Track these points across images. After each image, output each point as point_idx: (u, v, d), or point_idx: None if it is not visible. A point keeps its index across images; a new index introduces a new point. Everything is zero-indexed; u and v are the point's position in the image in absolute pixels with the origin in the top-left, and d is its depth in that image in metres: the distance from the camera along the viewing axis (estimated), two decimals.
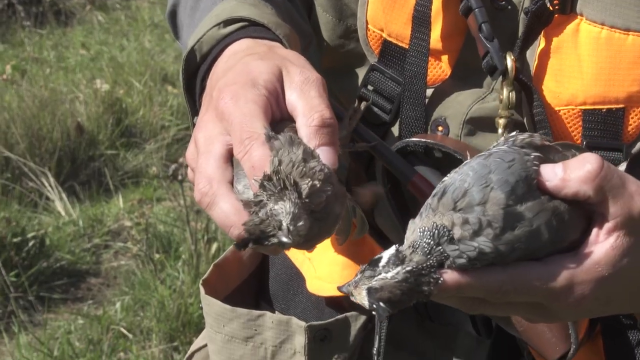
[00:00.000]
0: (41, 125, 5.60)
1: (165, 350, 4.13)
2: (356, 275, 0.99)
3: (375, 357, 1.06)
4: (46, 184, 5.30)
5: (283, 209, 0.99)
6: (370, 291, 0.97)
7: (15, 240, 4.76)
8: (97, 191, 5.50)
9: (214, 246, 4.41)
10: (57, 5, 8.65)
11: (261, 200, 1.01)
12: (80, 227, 5.13)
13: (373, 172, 1.30)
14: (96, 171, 5.64)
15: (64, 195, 5.29)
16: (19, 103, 5.88)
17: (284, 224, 0.99)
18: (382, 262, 0.97)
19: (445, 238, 0.97)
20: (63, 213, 5.21)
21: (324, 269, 1.36)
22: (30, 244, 4.80)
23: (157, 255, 4.69)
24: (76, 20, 8.47)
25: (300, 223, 0.99)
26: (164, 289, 4.38)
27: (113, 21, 8.41)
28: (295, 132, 1.08)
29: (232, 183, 1.08)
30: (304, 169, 1.01)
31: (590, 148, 1.20)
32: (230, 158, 1.09)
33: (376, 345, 1.02)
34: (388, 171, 1.26)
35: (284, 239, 1.00)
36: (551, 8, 1.18)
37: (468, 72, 1.26)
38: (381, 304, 0.96)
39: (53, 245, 4.92)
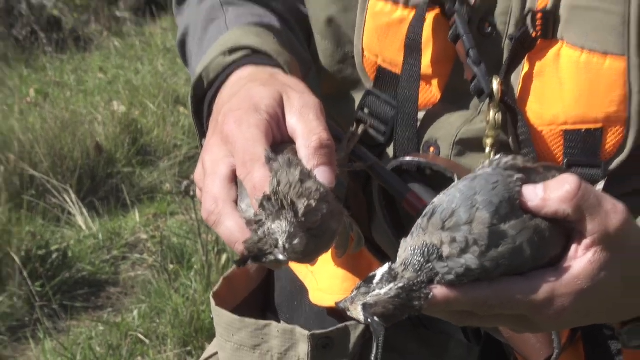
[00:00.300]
0: (63, 145, 5.59)
1: (180, 354, 4.12)
2: (352, 291, 0.99)
3: None
4: (68, 200, 5.29)
5: (280, 228, 1.00)
6: (365, 307, 0.97)
7: (40, 252, 4.74)
8: (115, 206, 5.49)
9: (224, 257, 4.40)
10: (77, 32, 8.65)
11: (260, 220, 1.02)
12: (99, 240, 5.12)
13: (370, 190, 1.30)
14: (114, 188, 5.63)
15: (84, 211, 5.28)
16: (42, 124, 5.87)
17: (280, 243, 1.00)
18: (376, 279, 0.98)
19: (435, 256, 0.97)
20: (84, 227, 5.20)
21: (325, 281, 1.36)
22: (54, 256, 4.79)
23: (171, 266, 4.68)
24: (94, 46, 8.47)
25: (296, 241, 1.00)
26: (178, 298, 4.37)
27: (128, 47, 8.40)
28: (296, 153, 1.08)
29: (236, 202, 1.08)
30: (301, 189, 1.01)
31: (570, 165, 1.20)
32: (234, 179, 1.09)
33: (374, 352, 1.02)
34: (384, 189, 1.26)
35: (280, 257, 1.01)
36: (534, 34, 1.18)
37: (457, 96, 1.26)
38: (375, 318, 0.96)
39: (75, 257, 4.91)
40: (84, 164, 5.60)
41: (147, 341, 4.22)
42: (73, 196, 5.30)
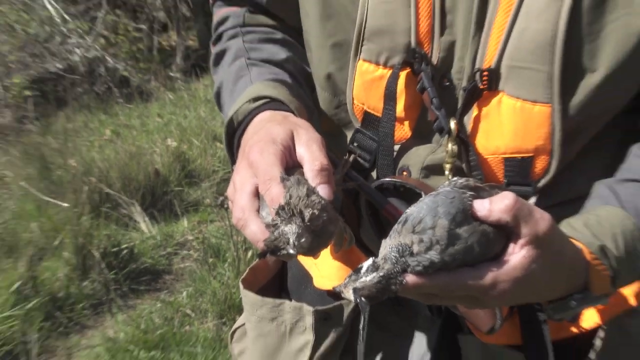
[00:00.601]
0: (130, 170, 5.59)
1: (217, 325, 4.10)
2: (345, 279, 0.99)
3: (361, 331, 1.05)
4: (134, 211, 5.28)
5: (291, 230, 1.01)
6: (355, 290, 0.97)
7: (113, 250, 4.74)
8: (168, 216, 5.48)
9: (250, 253, 4.39)
10: (141, 88, 8.66)
11: (276, 224, 1.02)
12: (157, 240, 5.11)
13: (359, 203, 1.29)
14: (168, 202, 5.62)
15: (146, 219, 5.27)
16: (115, 155, 5.87)
17: (291, 241, 1.00)
18: (363, 270, 0.97)
19: (407, 252, 0.96)
20: (146, 231, 5.19)
21: (325, 270, 1.35)
22: (124, 252, 4.78)
23: (210, 260, 4.67)
24: (154, 98, 8.49)
25: (303, 240, 1.01)
26: (216, 283, 4.36)
27: (179, 98, 8.42)
28: (303, 175, 1.08)
29: (258, 211, 1.08)
30: (307, 201, 1.01)
31: (509, 184, 1.19)
32: (257, 194, 1.09)
33: (362, 323, 1.01)
34: (369, 202, 1.25)
35: (291, 251, 1.01)
36: (481, 87, 1.17)
37: (423, 133, 1.25)
38: (362, 299, 0.97)
39: (139, 253, 4.90)
40: (146, 184, 5.59)
41: (192, 315, 4.21)
42: (138, 208, 5.29)
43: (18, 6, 9.27)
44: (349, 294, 0.98)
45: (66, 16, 9.17)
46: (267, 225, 1.05)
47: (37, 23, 8.90)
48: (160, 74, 9.15)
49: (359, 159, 1.28)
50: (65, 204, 5.08)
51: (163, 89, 8.70)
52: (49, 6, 9.05)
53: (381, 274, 0.96)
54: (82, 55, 8.75)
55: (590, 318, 1.24)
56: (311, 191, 1.04)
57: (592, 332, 1.24)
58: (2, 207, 5.32)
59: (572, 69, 1.13)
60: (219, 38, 1.44)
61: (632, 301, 1.27)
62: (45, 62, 8.56)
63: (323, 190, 1.05)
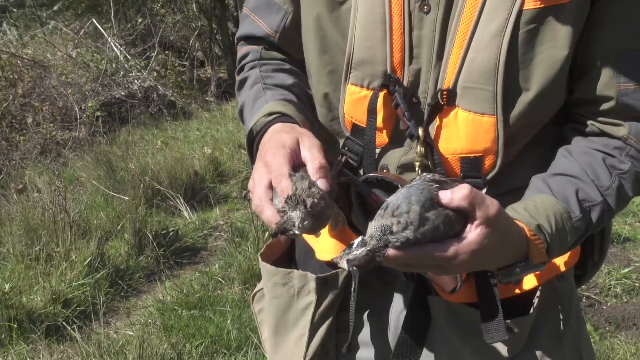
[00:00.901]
0: (176, 172, 5.59)
1: (242, 289, 4.09)
2: (340, 253, 0.98)
3: (353, 293, 1.04)
4: (179, 202, 5.27)
5: (296, 215, 1.00)
6: (349, 261, 0.96)
7: (162, 232, 4.74)
8: (205, 206, 5.48)
9: (267, 234, 4.40)
10: (184, 109, 8.69)
11: (285, 211, 1.01)
12: (196, 225, 5.09)
13: (350, 194, 1.27)
14: (205, 195, 5.61)
15: (187, 209, 5.25)
16: (164, 160, 5.88)
17: (297, 224, 1.00)
18: (354, 246, 0.97)
19: (388, 231, 0.95)
20: (187, 218, 5.18)
21: (325, 246, 1.33)
22: (171, 234, 4.77)
23: (237, 239, 4.66)
24: (194, 117, 8.52)
25: (306, 222, 1.00)
26: (241, 257, 4.35)
27: (213, 116, 8.44)
28: (307, 172, 1.07)
29: (272, 200, 1.07)
30: (309, 192, 1.01)
31: (465, 177, 1.17)
32: (271, 187, 1.07)
33: (353, 286, 1.00)
34: (358, 193, 1.23)
35: (297, 232, 1.00)
36: (442, 103, 1.15)
37: (398, 139, 1.22)
38: (354, 268, 0.96)
39: (182, 235, 4.89)
40: (188, 182, 5.57)
41: (223, 282, 4.20)
42: (181, 200, 5.27)
43: (93, 49, 9.43)
44: (343, 264, 0.97)
45: (128, 56, 9.29)
46: (279, 211, 1.04)
47: (107, 61, 8.97)
48: (199, 99, 9.20)
49: (350, 160, 1.26)
50: (126, 198, 5.07)
51: (201, 110, 8.73)
52: (115, 49, 9.13)
53: (369, 248, 0.96)
54: (140, 85, 8.81)
55: (530, 281, 1.23)
56: (312, 184, 1.03)
57: (532, 293, 1.23)
58: (78, 200, 5.31)
59: (511, 89, 1.12)
60: (242, 69, 1.43)
61: (562, 268, 1.26)
62: (112, 90, 8.61)
63: (321, 183, 1.04)
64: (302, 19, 1.30)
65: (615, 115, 1.18)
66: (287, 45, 1.37)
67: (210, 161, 6.07)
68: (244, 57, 1.42)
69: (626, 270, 4.10)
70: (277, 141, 1.12)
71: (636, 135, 1.18)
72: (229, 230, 4.84)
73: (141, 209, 4.87)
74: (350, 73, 1.22)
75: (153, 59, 9.34)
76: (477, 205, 0.99)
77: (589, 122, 1.21)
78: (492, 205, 1.01)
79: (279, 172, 1.06)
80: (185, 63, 10.04)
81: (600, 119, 1.19)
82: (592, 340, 3.01)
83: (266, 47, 1.40)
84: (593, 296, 3.90)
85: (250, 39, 1.41)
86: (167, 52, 10.12)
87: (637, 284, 4.00)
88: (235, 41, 1.47)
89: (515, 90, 1.13)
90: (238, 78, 1.43)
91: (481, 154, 1.16)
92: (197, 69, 10.22)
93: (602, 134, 1.20)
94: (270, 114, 1.24)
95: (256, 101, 1.32)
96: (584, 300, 3.86)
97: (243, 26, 1.42)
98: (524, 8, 1.09)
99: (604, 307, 3.83)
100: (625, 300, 3.88)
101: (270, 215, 1.05)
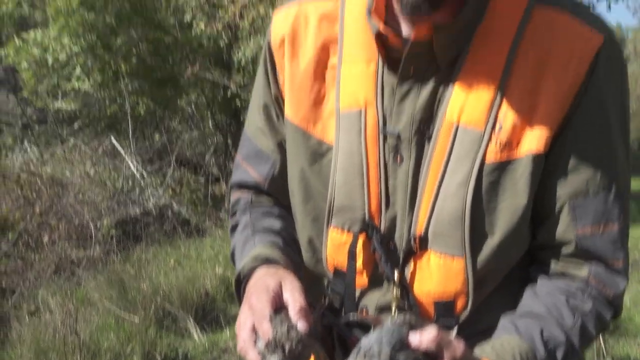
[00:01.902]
0: (187, 292, 5.63)
1: None
2: None
3: None
4: (189, 323, 5.29)
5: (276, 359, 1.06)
6: None
7: (171, 355, 4.74)
8: (215, 327, 5.48)
9: None
10: (198, 226, 8.76)
11: (265, 355, 1.08)
12: (206, 347, 5.08)
13: (332, 334, 1.32)
14: (215, 316, 5.63)
15: (197, 330, 5.25)
16: (176, 280, 5.91)
17: None
18: None
19: None
20: (197, 339, 5.17)
21: None
22: (180, 358, 4.75)
23: None
24: (207, 234, 8.56)
25: None
26: None
27: (226, 234, 8.43)
28: (287, 314, 1.13)
29: (255, 342, 1.13)
30: (287, 336, 1.07)
31: (438, 317, 1.25)
32: (254, 329, 1.14)
33: None
34: (339, 334, 1.29)
35: None
36: (415, 247, 1.25)
37: (376, 281, 1.30)
38: None
39: (191, 357, 4.86)
40: (198, 302, 5.61)
41: None
42: (192, 321, 5.29)
43: (109, 167, 9.63)
44: None
45: (144, 173, 9.47)
46: (260, 354, 1.10)
47: (123, 179, 9.15)
48: (213, 215, 9.27)
49: (333, 301, 1.33)
50: (136, 320, 5.10)
51: (214, 227, 8.81)
52: (132, 167, 9.37)
53: None
54: (155, 203, 8.91)
55: None
56: (291, 327, 1.08)
57: None
58: (90, 321, 5.33)
59: (477, 233, 1.21)
60: (234, 213, 1.53)
61: None
62: (128, 208, 8.68)
63: (301, 325, 1.10)
64: (288, 169, 1.41)
65: (576, 258, 1.26)
66: (275, 192, 1.48)
67: (221, 281, 6.12)
68: (236, 202, 1.53)
69: None
70: (261, 284, 1.19)
71: (596, 276, 1.26)
72: (239, 354, 4.79)
73: (151, 330, 4.88)
74: (332, 217, 1.31)
75: (169, 174, 9.55)
76: (444, 347, 1.05)
77: (552, 264, 1.29)
78: (458, 346, 1.07)
79: (260, 315, 1.12)
80: (201, 178, 10.21)
81: (561, 261, 1.28)
82: None
83: (256, 193, 1.51)
84: None
85: (242, 186, 1.53)
86: (182, 169, 10.32)
87: None
88: (229, 187, 1.59)
89: (481, 235, 1.22)
90: (231, 221, 1.53)
91: (452, 298, 1.24)
92: (212, 185, 10.38)
93: (565, 275, 1.28)
94: (256, 258, 1.32)
95: (245, 244, 1.41)
96: None
97: (235, 174, 1.54)
98: (486, 161, 1.20)
99: None
100: None
101: (252, 358, 1.11)
